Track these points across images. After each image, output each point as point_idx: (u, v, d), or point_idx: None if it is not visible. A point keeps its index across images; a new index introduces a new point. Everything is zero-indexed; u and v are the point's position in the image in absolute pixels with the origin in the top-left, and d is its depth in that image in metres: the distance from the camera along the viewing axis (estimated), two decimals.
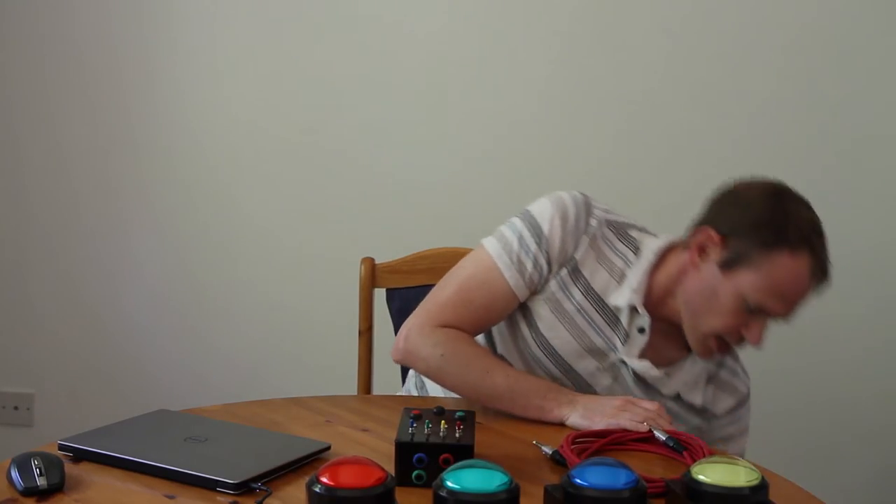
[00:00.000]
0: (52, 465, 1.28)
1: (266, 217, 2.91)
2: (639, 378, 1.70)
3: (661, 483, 1.27)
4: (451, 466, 1.12)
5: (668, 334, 1.70)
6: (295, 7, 2.82)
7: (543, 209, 1.69)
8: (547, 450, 1.45)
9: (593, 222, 1.70)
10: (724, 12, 2.72)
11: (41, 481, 1.26)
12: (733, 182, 1.68)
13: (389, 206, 2.84)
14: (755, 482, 1.14)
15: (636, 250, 1.70)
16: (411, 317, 1.69)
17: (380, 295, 2.08)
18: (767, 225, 1.60)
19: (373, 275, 2.05)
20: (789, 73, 2.73)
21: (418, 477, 1.32)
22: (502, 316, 1.71)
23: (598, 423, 1.55)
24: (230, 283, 2.94)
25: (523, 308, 1.71)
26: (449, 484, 1.08)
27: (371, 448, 1.46)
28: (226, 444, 1.41)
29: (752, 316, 1.61)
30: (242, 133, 2.89)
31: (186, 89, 2.90)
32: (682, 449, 1.48)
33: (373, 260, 2.06)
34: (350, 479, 1.07)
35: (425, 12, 2.80)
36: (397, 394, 1.92)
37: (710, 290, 1.62)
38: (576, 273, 1.69)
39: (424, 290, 1.79)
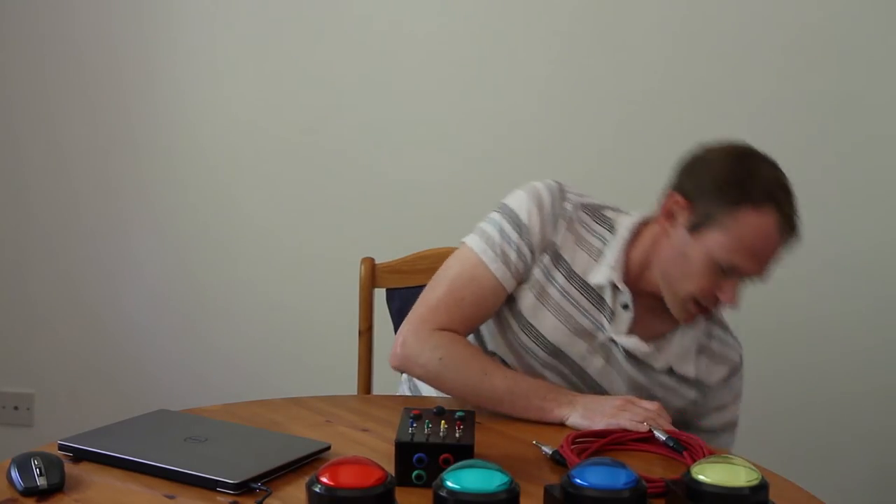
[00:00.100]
0: (52, 465, 1.29)
1: (266, 217, 2.91)
2: (630, 355, 1.71)
3: (661, 483, 1.27)
4: (451, 466, 1.12)
5: (653, 308, 1.71)
6: (295, 7, 2.82)
7: (520, 200, 1.72)
8: (547, 450, 1.45)
9: (568, 206, 1.72)
10: (723, 12, 2.72)
11: (41, 481, 1.26)
12: (699, 146, 1.69)
13: (389, 206, 2.84)
14: (755, 482, 1.14)
15: (612, 229, 1.73)
16: (405, 323, 1.69)
17: (380, 295, 2.08)
18: (731, 184, 1.61)
19: (373, 275, 2.05)
20: (789, 73, 2.73)
21: (418, 477, 1.32)
22: (493, 310, 1.71)
23: (598, 423, 1.55)
24: (230, 282, 2.94)
25: (508, 300, 1.72)
26: (449, 484, 1.08)
27: (371, 448, 1.46)
28: (226, 444, 1.41)
29: (725, 276, 1.62)
30: (242, 133, 2.89)
31: (186, 89, 2.90)
32: (682, 449, 1.48)
33: (373, 260, 2.06)
34: (350, 479, 1.07)
35: (425, 12, 2.80)
36: (397, 394, 1.92)
37: (682, 254, 1.64)
38: (557, 258, 1.71)
39: None
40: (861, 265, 2.75)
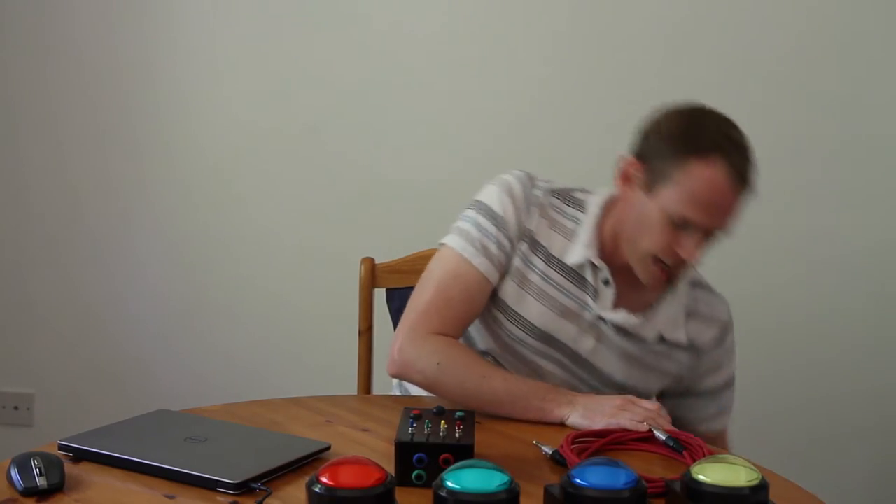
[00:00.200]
0: (51, 465, 1.29)
1: (266, 217, 2.91)
2: (620, 329, 1.72)
3: (661, 483, 1.27)
4: (451, 466, 1.12)
5: (635, 281, 1.72)
6: (295, 7, 2.82)
7: (492, 193, 1.74)
8: (547, 450, 1.45)
9: (538, 193, 1.75)
10: (722, 12, 2.72)
11: (41, 481, 1.26)
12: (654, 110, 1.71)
13: (389, 206, 2.84)
14: (755, 482, 1.14)
15: (583, 209, 1.75)
16: (399, 331, 1.70)
17: (380, 295, 2.08)
18: (678, 138, 1.63)
19: (373, 275, 2.05)
20: (788, 73, 2.73)
21: (418, 477, 1.32)
22: (482, 306, 1.72)
23: (599, 423, 1.55)
24: (230, 282, 2.94)
25: (492, 294, 1.73)
26: (449, 484, 1.08)
27: (371, 448, 1.46)
28: (226, 444, 1.41)
29: (682, 231, 1.63)
30: (243, 133, 2.89)
31: (187, 89, 2.90)
32: (682, 449, 1.48)
33: (373, 260, 2.06)
34: (350, 479, 1.07)
35: (425, 12, 2.80)
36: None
37: (639, 214, 1.66)
38: (534, 244, 1.73)
39: None
40: (860, 264, 2.75)
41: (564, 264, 1.72)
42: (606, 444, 1.50)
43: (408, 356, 1.65)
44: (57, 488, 1.27)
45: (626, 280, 1.71)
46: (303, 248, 2.89)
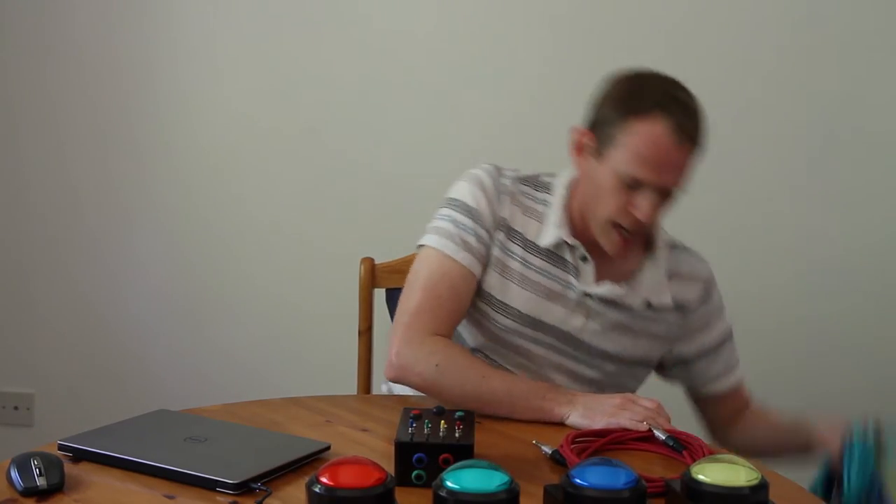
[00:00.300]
0: (51, 465, 1.28)
1: (266, 216, 2.91)
2: (606, 301, 1.74)
3: (661, 483, 1.27)
4: (451, 466, 1.12)
5: None
6: (295, 6, 2.83)
7: (462, 188, 1.77)
8: (547, 449, 1.44)
9: (507, 182, 1.78)
10: (722, 12, 2.72)
11: (41, 481, 1.26)
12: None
13: (389, 206, 2.84)
14: (755, 482, 1.14)
15: (551, 192, 1.79)
16: (393, 335, 1.70)
17: (379, 295, 2.08)
18: (622, 101, 1.67)
19: (372, 275, 2.05)
20: (785, 73, 2.73)
21: (418, 477, 1.32)
22: (469, 300, 1.73)
23: (599, 422, 1.55)
24: (230, 282, 2.94)
25: (476, 290, 1.75)
26: (449, 484, 1.08)
27: (371, 448, 1.46)
28: (226, 444, 1.41)
29: (635, 192, 1.65)
30: (243, 132, 2.89)
31: (187, 89, 2.90)
32: (682, 448, 1.48)
33: (372, 260, 2.06)
34: (350, 479, 1.07)
35: (425, 12, 2.81)
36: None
37: (594, 182, 1.69)
38: (510, 232, 1.75)
39: None
40: (860, 263, 2.75)
41: (541, 247, 1.74)
42: (606, 443, 1.50)
43: (406, 359, 1.65)
44: (57, 488, 1.27)
45: (603, 253, 1.74)
46: (303, 247, 2.89)
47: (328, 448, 1.42)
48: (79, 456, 1.37)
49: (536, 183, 1.80)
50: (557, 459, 1.42)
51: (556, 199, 1.77)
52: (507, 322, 1.74)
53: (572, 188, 1.77)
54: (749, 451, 1.78)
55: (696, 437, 1.51)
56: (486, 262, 1.74)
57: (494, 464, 1.12)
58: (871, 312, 2.77)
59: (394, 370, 1.67)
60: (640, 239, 1.76)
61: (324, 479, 1.07)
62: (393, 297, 2.07)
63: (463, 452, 1.31)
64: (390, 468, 1.25)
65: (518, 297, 1.74)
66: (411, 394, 1.73)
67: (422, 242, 1.76)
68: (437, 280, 1.70)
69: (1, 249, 2.99)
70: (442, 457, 1.31)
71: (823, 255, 2.74)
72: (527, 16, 2.78)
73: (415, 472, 1.32)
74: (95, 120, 2.92)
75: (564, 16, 2.77)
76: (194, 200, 2.93)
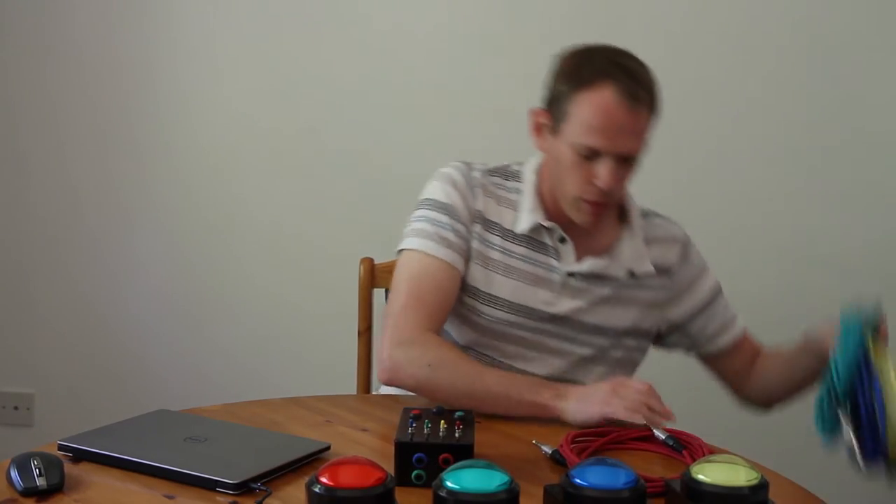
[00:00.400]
0: (51, 465, 1.29)
1: (266, 216, 2.91)
2: (591, 277, 1.76)
3: (661, 483, 1.27)
4: (451, 466, 1.12)
5: (588, 229, 1.77)
6: (295, 6, 2.83)
7: (434, 187, 1.80)
8: (547, 449, 1.45)
9: (477, 174, 1.80)
10: (721, 12, 2.73)
11: (41, 481, 1.26)
12: None
13: (389, 206, 2.83)
14: (755, 482, 1.14)
15: (522, 180, 1.81)
16: (383, 339, 1.69)
17: (379, 295, 2.08)
18: (569, 75, 1.70)
19: (372, 275, 2.05)
20: (785, 72, 2.73)
21: (418, 477, 1.32)
22: (454, 295, 1.74)
23: (593, 412, 1.54)
24: (230, 282, 2.94)
25: (462, 288, 1.76)
26: (449, 484, 1.08)
27: (371, 448, 1.46)
28: (226, 444, 1.41)
29: (593, 163, 1.67)
30: (243, 132, 2.89)
31: (187, 88, 2.90)
32: (682, 448, 1.48)
33: (372, 260, 2.06)
34: (350, 479, 1.07)
35: (425, 12, 2.81)
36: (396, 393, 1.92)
37: (555, 159, 1.72)
38: (487, 223, 1.77)
39: None
40: (860, 263, 2.75)
41: (519, 234, 1.76)
42: (606, 443, 1.50)
43: (397, 361, 1.65)
44: (57, 488, 1.27)
45: (579, 231, 1.76)
46: (302, 247, 2.89)
47: (328, 448, 1.42)
48: (79, 456, 1.37)
49: (506, 173, 1.83)
50: (557, 459, 1.42)
51: (527, 185, 1.79)
52: (497, 313, 1.75)
53: (540, 172, 1.80)
54: (773, 396, 1.83)
55: (696, 437, 1.51)
56: (467, 256, 1.75)
57: (494, 464, 1.12)
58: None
59: (386, 373, 1.67)
60: (613, 210, 1.80)
61: (324, 479, 1.07)
62: None
63: (463, 452, 1.31)
64: (390, 468, 1.25)
65: (504, 287, 1.75)
66: (401, 394, 1.73)
67: (401, 247, 1.77)
68: (420, 279, 1.71)
69: (1, 249, 3.00)
70: (442, 457, 1.32)
71: (824, 255, 2.74)
72: (527, 16, 2.78)
73: (415, 472, 1.32)
74: (95, 120, 2.92)
75: (565, 15, 2.77)
76: (194, 201, 2.93)
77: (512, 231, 1.77)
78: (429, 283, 1.71)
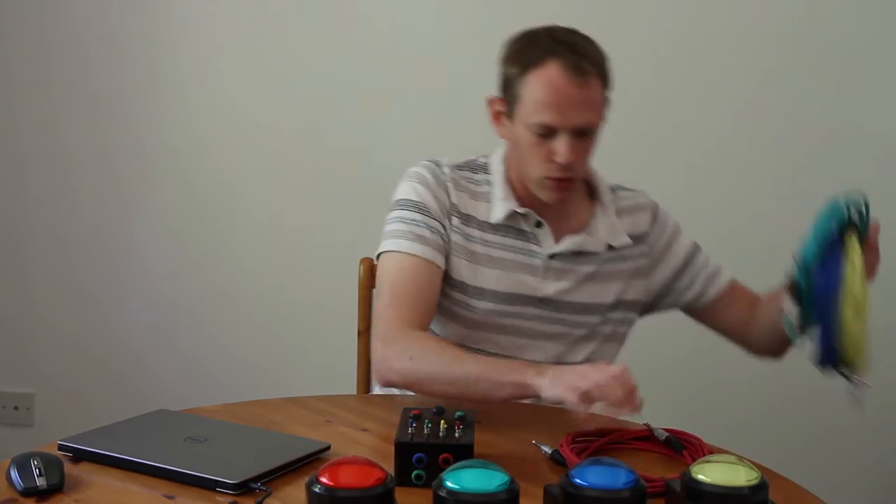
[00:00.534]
0: (51, 465, 1.29)
1: (266, 216, 2.91)
2: (572, 255, 1.78)
3: (661, 483, 1.27)
4: (451, 466, 1.12)
5: (561, 209, 1.79)
6: (295, 6, 2.83)
7: (404, 187, 1.81)
8: (547, 449, 1.45)
9: (446, 170, 1.82)
10: (721, 12, 2.73)
11: (41, 481, 1.26)
12: None
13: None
14: (755, 482, 1.14)
15: (490, 171, 1.84)
16: (372, 343, 1.71)
17: None
18: (515, 59, 1.74)
19: (372, 275, 2.04)
20: (785, 72, 2.73)
21: (418, 477, 1.32)
22: (437, 290, 1.75)
23: (565, 391, 1.48)
24: (230, 282, 2.94)
25: (449, 285, 1.77)
26: (449, 484, 1.08)
27: (371, 448, 1.46)
28: (225, 444, 1.41)
29: (550, 140, 1.69)
30: (243, 132, 2.89)
31: (188, 88, 2.90)
32: (682, 448, 1.48)
33: (372, 260, 2.06)
34: (350, 479, 1.07)
35: (426, 12, 2.80)
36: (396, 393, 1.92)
37: (515, 143, 1.75)
38: (463, 217, 1.79)
39: None
40: None
41: (496, 224, 1.78)
42: (606, 443, 1.50)
43: (383, 360, 1.65)
44: (56, 488, 1.27)
45: (554, 214, 1.79)
46: (303, 247, 2.89)
47: (328, 448, 1.42)
48: (79, 456, 1.37)
49: (473, 166, 1.85)
50: (557, 459, 1.42)
51: (496, 175, 1.81)
52: (486, 305, 1.76)
53: (507, 160, 1.82)
54: (774, 341, 1.83)
55: (697, 437, 1.51)
56: (446, 251, 1.76)
57: (494, 464, 1.12)
58: (871, 311, 2.76)
59: (377, 374, 1.68)
60: (583, 189, 1.83)
61: (324, 479, 1.07)
62: None
63: (463, 452, 1.32)
64: (390, 468, 1.25)
65: (490, 278, 1.76)
66: (399, 393, 1.73)
67: (379, 251, 1.78)
68: (400, 280, 1.72)
69: (1, 249, 2.99)
70: (442, 457, 1.32)
71: None
72: (528, 16, 2.77)
73: (415, 472, 1.32)
74: (96, 119, 2.92)
75: (566, 16, 2.76)
76: (194, 201, 2.93)
77: (488, 222, 1.78)
78: (409, 281, 1.72)
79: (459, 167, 1.84)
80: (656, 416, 1.59)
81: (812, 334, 1.48)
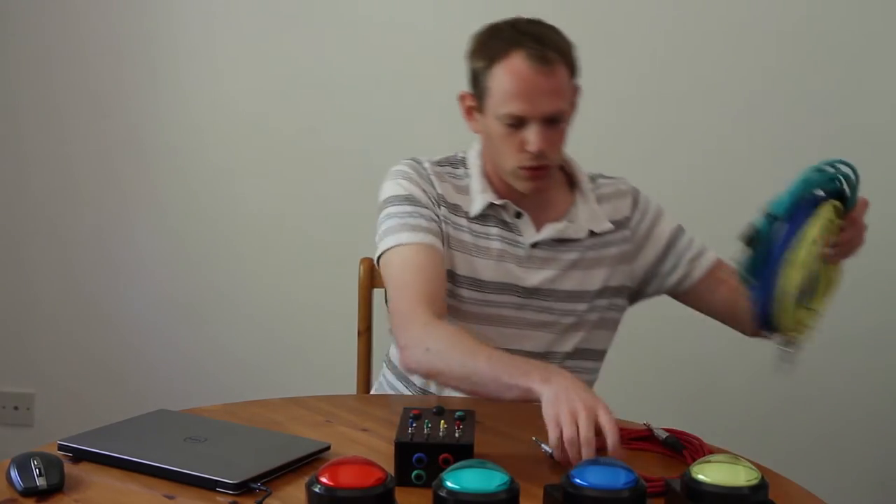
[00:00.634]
0: (51, 465, 1.29)
1: (266, 216, 2.91)
2: (555, 243, 1.80)
3: (661, 483, 1.27)
4: (451, 466, 1.12)
5: (541, 199, 1.81)
6: (295, 6, 2.83)
7: (389, 185, 1.83)
8: (547, 449, 1.44)
9: (426, 165, 1.85)
10: (721, 12, 2.73)
11: (41, 481, 1.26)
12: None
13: None
14: (755, 482, 1.14)
15: (468, 166, 1.86)
16: (395, 333, 1.71)
17: (379, 295, 2.08)
18: (480, 53, 1.76)
19: (372, 275, 2.05)
20: (785, 72, 2.73)
21: (418, 477, 1.32)
22: (442, 272, 1.75)
23: (549, 414, 1.41)
24: (230, 282, 2.94)
25: (450, 283, 1.77)
26: (449, 484, 1.08)
27: (371, 448, 1.46)
28: (225, 444, 1.41)
29: (521, 130, 1.71)
30: (243, 132, 2.89)
31: (188, 88, 2.90)
32: (682, 448, 1.48)
33: (372, 260, 2.06)
34: (350, 479, 1.07)
35: (426, 12, 2.80)
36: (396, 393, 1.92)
37: (488, 137, 1.77)
38: (451, 207, 1.81)
39: None
40: (859, 263, 2.74)
41: (478, 217, 1.80)
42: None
43: (404, 349, 1.66)
44: (56, 488, 1.27)
45: (533, 203, 1.80)
46: (302, 247, 2.89)
47: (328, 448, 1.42)
48: (79, 456, 1.37)
49: (453, 161, 1.87)
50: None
51: (473, 169, 1.84)
52: (478, 295, 1.77)
53: (483, 154, 1.84)
54: None
55: (697, 437, 1.51)
56: (442, 237, 1.77)
57: (494, 464, 1.12)
58: (871, 312, 2.77)
59: (402, 362, 1.69)
60: (563, 179, 1.85)
61: (324, 479, 1.07)
62: None
63: (463, 452, 1.31)
64: (390, 468, 1.25)
65: (480, 268, 1.78)
66: (397, 393, 1.73)
67: (378, 253, 1.78)
68: (404, 270, 1.72)
69: (2, 248, 3.00)
70: (442, 457, 1.32)
71: None
72: (527, 16, 2.77)
73: (415, 472, 1.32)
74: (97, 119, 2.92)
75: (566, 16, 2.75)
76: (195, 201, 2.93)
77: (471, 214, 1.80)
78: (414, 270, 1.72)
79: (440, 163, 1.86)
80: (656, 416, 1.59)
81: (754, 286, 1.47)
